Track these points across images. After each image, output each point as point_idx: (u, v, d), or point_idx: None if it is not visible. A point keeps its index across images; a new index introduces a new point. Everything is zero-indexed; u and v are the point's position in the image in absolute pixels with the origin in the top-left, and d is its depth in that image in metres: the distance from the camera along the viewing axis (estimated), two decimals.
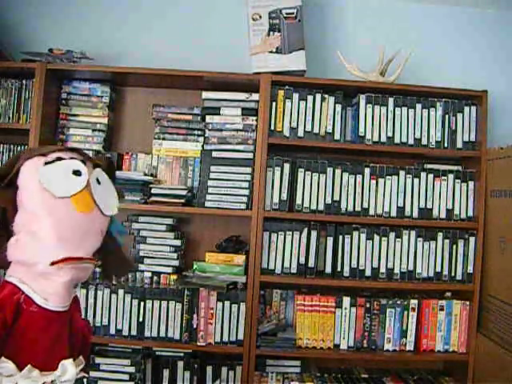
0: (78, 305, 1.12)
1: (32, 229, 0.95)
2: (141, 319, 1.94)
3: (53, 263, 0.94)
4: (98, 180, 1.02)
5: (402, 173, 2.04)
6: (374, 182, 2.03)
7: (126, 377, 1.92)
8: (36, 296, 0.97)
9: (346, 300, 2.01)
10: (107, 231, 1.07)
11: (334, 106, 2.04)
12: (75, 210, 0.96)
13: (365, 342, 2.01)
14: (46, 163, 0.97)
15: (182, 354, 2.01)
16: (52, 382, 0.98)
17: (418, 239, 2.04)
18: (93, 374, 1.91)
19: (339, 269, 2.02)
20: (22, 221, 0.97)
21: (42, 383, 0.96)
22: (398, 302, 2.03)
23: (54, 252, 0.94)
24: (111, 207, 1.04)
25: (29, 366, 0.95)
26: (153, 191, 2.01)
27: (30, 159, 0.98)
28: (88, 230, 0.99)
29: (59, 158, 0.99)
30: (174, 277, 2.03)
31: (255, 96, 2.02)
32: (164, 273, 2.04)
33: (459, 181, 2.06)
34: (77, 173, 0.98)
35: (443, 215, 2.04)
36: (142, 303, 1.94)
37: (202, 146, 2.07)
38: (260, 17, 2.03)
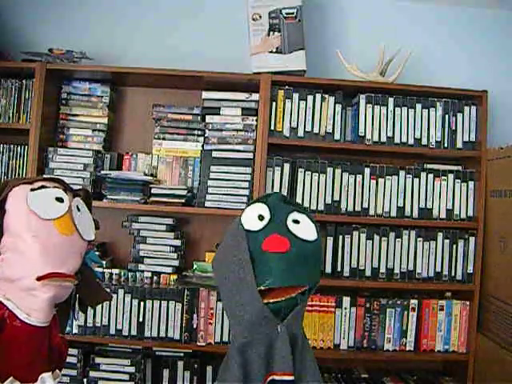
0: (57, 323, 1.18)
1: (18, 247, 1.02)
2: (141, 319, 1.94)
3: (39, 278, 1.00)
4: (77, 207, 1.12)
5: (402, 173, 2.05)
6: (374, 181, 2.03)
7: (126, 377, 1.92)
8: (19, 312, 1.03)
9: (346, 300, 2.01)
10: (83, 261, 1.14)
11: (334, 106, 2.04)
12: (57, 231, 1.04)
13: (365, 341, 2.01)
14: (32, 189, 1.06)
15: (182, 354, 2.00)
16: None
17: (418, 239, 2.04)
18: (93, 374, 1.91)
19: (339, 269, 2.02)
20: (7, 242, 1.04)
21: None
22: (398, 302, 2.03)
23: (40, 268, 1.01)
24: (90, 233, 1.14)
25: (11, 377, 0.99)
26: (153, 191, 2.01)
27: (17, 186, 1.07)
28: (69, 251, 1.07)
29: (43, 186, 1.08)
30: (174, 277, 2.03)
31: (255, 96, 2.02)
32: (164, 273, 2.04)
33: (459, 181, 2.06)
34: (59, 200, 1.08)
35: (443, 215, 2.04)
36: (142, 303, 1.94)
37: (202, 146, 2.07)
38: (260, 17, 2.03)
